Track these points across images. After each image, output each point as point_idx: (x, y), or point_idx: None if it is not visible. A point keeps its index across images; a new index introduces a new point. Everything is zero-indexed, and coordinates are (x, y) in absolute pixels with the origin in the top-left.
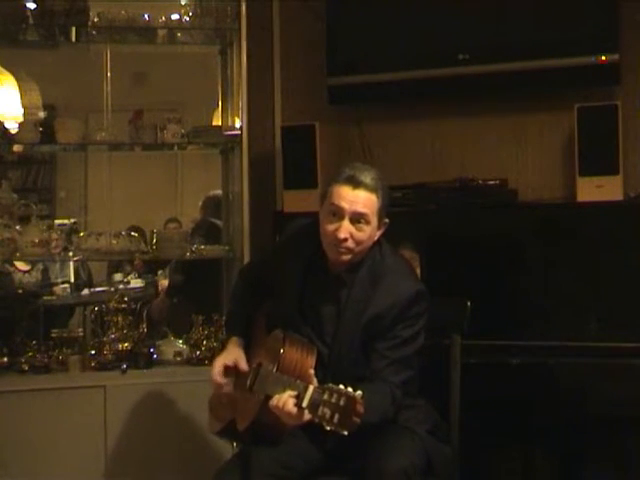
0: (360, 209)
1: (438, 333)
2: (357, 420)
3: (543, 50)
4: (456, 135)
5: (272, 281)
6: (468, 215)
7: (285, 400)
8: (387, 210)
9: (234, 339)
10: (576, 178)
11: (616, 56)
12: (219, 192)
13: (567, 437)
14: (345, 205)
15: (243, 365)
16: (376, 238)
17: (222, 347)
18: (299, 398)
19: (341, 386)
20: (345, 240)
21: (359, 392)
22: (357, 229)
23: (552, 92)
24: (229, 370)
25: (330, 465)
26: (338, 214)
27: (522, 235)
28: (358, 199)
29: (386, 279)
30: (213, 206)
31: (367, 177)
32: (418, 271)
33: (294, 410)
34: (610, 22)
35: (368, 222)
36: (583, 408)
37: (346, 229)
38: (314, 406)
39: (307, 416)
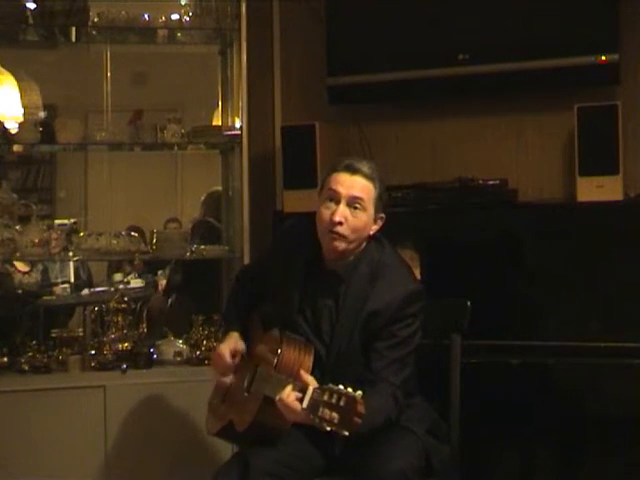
0: (357, 193)
1: (438, 333)
2: (358, 420)
3: (543, 50)
4: (456, 135)
5: (269, 282)
6: (468, 215)
7: (287, 395)
8: (384, 206)
9: (232, 333)
10: (576, 178)
11: (616, 56)
12: (220, 189)
13: (567, 437)
14: (342, 189)
15: (239, 349)
16: (372, 233)
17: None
18: (299, 399)
19: (341, 386)
20: (340, 224)
21: (359, 392)
22: (353, 215)
23: (552, 92)
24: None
25: (330, 466)
26: (335, 198)
27: (522, 235)
28: (355, 184)
29: (384, 277)
30: (214, 203)
31: (365, 166)
32: (418, 271)
33: (297, 406)
34: (610, 22)
35: (364, 208)
36: (583, 408)
37: (342, 213)
38: (314, 407)
39: (307, 416)
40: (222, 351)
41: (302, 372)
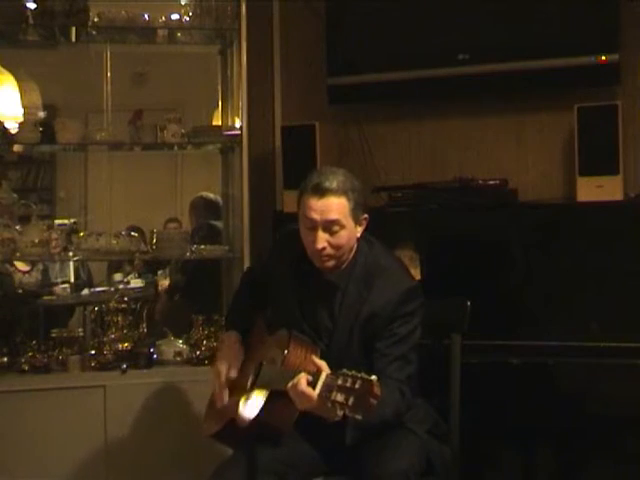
0: (330, 217)
1: (438, 333)
2: (374, 402)
3: (543, 50)
4: (456, 135)
5: (269, 289)
6: (468, 215)
7: (300, 381)
8: (363, 206)
9: (231, 334)
10: (576, 178)
11: (616, 56)
12: (205, 194)
13: (567, 437)
14: (315, 216)
15: (233, 372)
16: (358, 235)
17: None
18: (311, 384)
19: (354, 372)
20: (323, 249)
21: (374, 376)
22: (333, 236)
23: (552, 92)
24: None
25: (331, 467)
26: (311, 225)
27: (522, 235)
28: (327, 207)
29: (380, 279)
30: (202, 209)
31: (333, 182)
32: (418, 271)
33: (310, 391)
34: (610, 22)
35: (342, 226)
36: (583, 408)
37: (322, 239)
38: (327, 391)
39: (320, 400)
40: (219, 369)
41: (313, 358)
